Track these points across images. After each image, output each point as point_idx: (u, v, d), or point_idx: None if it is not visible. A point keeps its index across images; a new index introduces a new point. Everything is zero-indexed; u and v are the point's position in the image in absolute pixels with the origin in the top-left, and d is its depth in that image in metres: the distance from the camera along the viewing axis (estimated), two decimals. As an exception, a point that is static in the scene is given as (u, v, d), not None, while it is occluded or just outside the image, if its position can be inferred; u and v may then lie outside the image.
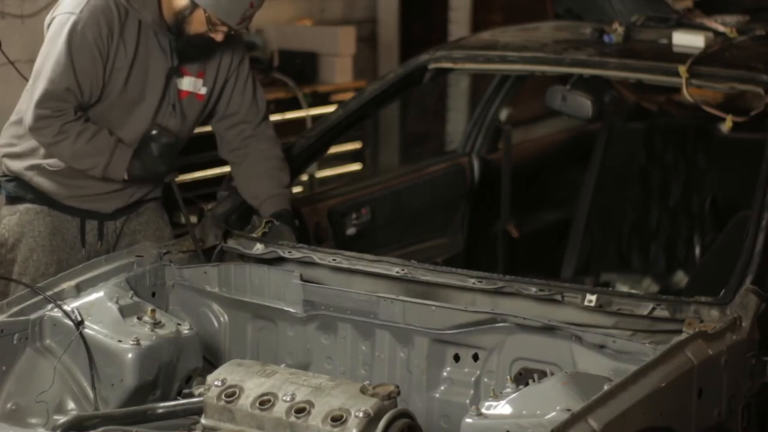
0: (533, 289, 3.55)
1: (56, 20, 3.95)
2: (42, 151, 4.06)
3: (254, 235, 4.05)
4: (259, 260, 3.95)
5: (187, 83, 4.11)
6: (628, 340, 3.35)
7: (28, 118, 3.94)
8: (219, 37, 3.99)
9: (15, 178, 4.15)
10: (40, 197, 4.13)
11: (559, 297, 3.51)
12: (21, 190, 4.14)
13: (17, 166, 4.12)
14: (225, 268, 3.90)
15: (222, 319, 3.93)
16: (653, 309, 3.43)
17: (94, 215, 4.17)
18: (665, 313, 3.42)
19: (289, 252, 3.90)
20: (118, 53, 3.95)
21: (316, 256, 3.86)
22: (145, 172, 4.05)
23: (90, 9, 3.90)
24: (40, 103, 3.90)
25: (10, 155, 4.14)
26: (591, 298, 3.48)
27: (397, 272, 3.73)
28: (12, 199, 4.17)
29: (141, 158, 4.01)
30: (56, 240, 4.14)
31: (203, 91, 4.14)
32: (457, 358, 3.59)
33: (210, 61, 4.13)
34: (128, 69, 3.98)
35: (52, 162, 4.06)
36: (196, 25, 3.97)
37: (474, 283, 3.64)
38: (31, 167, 4.09)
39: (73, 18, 3.90)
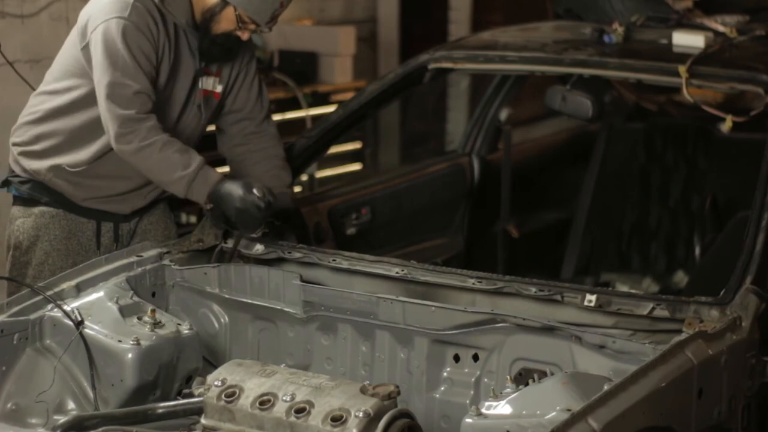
0: (533, 290, 3.55)
1: (102, 27, 3.87)
2: (62, 150, 4.04)
3: (254, 235, 4.05)
4: (259, 261, 3.95)
5: (207, 82, 4.11)
6: (627, 340, 3.35)
7: (114, 126, 3.86)
8: (245, 36, 3.99)
9: (30, 179, 4.11)
10: (56, 199, 4.10)
11: (558, 297, 3.51)
12: (36, 192, 4.11)
13: (35, 166, 4.08)
14: (225, 269, 3.89)
15: (222, 320, 3.92)
16: (653, 309, 3.43)
17: (110, 217, 4.15)
18: (665, 313, 3.42)
19: (289, 252, 3.90)
20: (163, 54, 3.95)
21: (316, 257, 3.86)
22: (223, 211, 3.96)
23: (138, 11, 3.88)
24: (122, 105, 3.84)
25: (27, 154, 4.09)
26: (591, 298, 3.48)
27: (397, 273, 3.73)
28: (26, 201, 4.13)
29: (229, 202, 3.91)
30: (71, 243, 4.13)
31: (219, 89, 4.14)
32: (457, 358, 3.59)
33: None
34: (168, 70, 3.98)
35: (72, 162, 4.03)
36: (225, 23, 3.96)
37: (474, 284, 3.64)
38: (51, 168, 4.06)
39: (123, 22, 3.86)
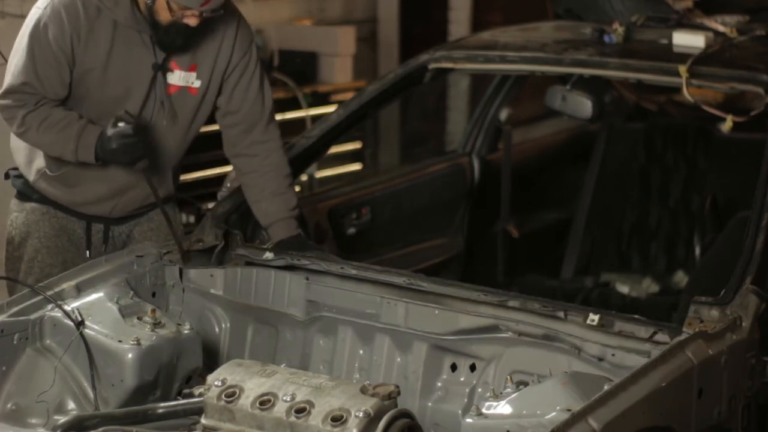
0: (537, 305, 3.53)
1: (29, 14, 3.92)
2: (41, 154, 4.03)
3: (265, 247, 4.01)
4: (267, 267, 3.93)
5: (178, 77, 4.00)
6: (627, 353, 3.34)
7: None
8: (192, 21, 3.86)
9: (23, 175, 4.12)
10: (46, 198, 4.09)
11: (561, 314, 3.49)
12: (28, 189, 4.11)
13: (24, 167, 4.10)
14: (232, 271, 3.89)
15: (224, 323, 3.92)
16: (654, 333, 3.40)
17: (100, 219, 4.13)
18: (666, 338, 3.38)
19: (297, 260, 3.88)
20: (87, 54, 3.88)
21: (324, 265, 3.83)
22: (110, 159, 3.94)
23: (53, 7, 3.84)
24: (3, 95, 3.91)
25: (19, 153, 4.10)
26: (593, 318, 3.45)
27: (404, 282, 3.71)
28: (21, 195, 4.14)
29: (103, 145, 3.90)
30: (61, 241, 4.11)
31: (197, 84, 4.03)
32: (453, 367, 3.59)
33: (203, 53, 4.02)
34: (102, 68, 3.91)
35: (52, 167, 4.02)
36: (163, 13, 3.85)
37: (479, 296, 3.60)
38: (36, 172, 4.06)
39: (38, 14, 3.86)
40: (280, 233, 4.08)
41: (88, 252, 4.12)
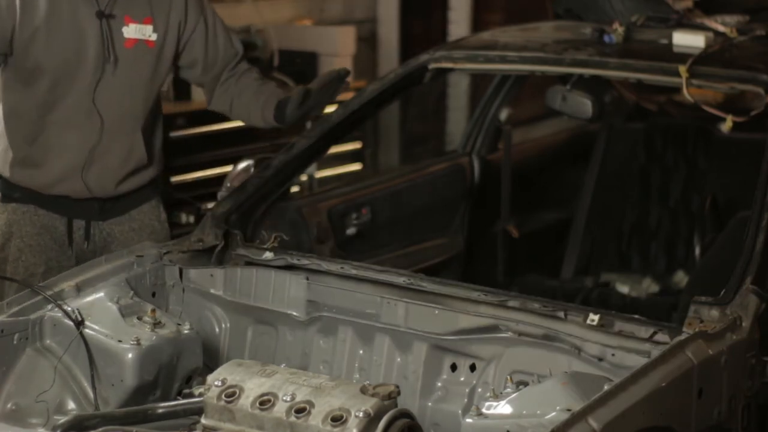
0: (537, 305, 3.53)
1: None
2: (9, 146, 4.04)
3: (265, 247, 4.02)
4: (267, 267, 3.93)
5: (134, 30, 4.00)
6: (627, 353, 3.34)
7: None
8: None
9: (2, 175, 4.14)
10: (27, 196, 4.10)
11: (561, 314, 3.49)
12: (9, 189, 4.13)
13: (1, 168, 4.11)
14: (232, 271, 3.89)
15: (224, 323, 3.92)
16: (654, 333, 3.40)
17: (81, 213, 4.12)
18: (666, 338, 3.39)
19: (297, 260, 3.89)
20: (26, 16, 3.86)
21: (324, 265, 3.84)
22: None
23: None
24: None
25: None
26: (594, 318, 3.45)
27: (404, 281, 3.72)
28: (4, 197, 4.16)
29: None
30: (44, 239, 4.12)
31: (153, 37, 4.03)
32: (453, 367, 3.59)
33: (156, 6, 4.02)
34: (46, 30, 3.88)
35: (14, 147, 4.03)
36: None
37: (479, 296, 3.61)
38: (10, 165, 4.08)
39: None
40: (271, 106, 4.20)
41: (71, 249, 4.12)
